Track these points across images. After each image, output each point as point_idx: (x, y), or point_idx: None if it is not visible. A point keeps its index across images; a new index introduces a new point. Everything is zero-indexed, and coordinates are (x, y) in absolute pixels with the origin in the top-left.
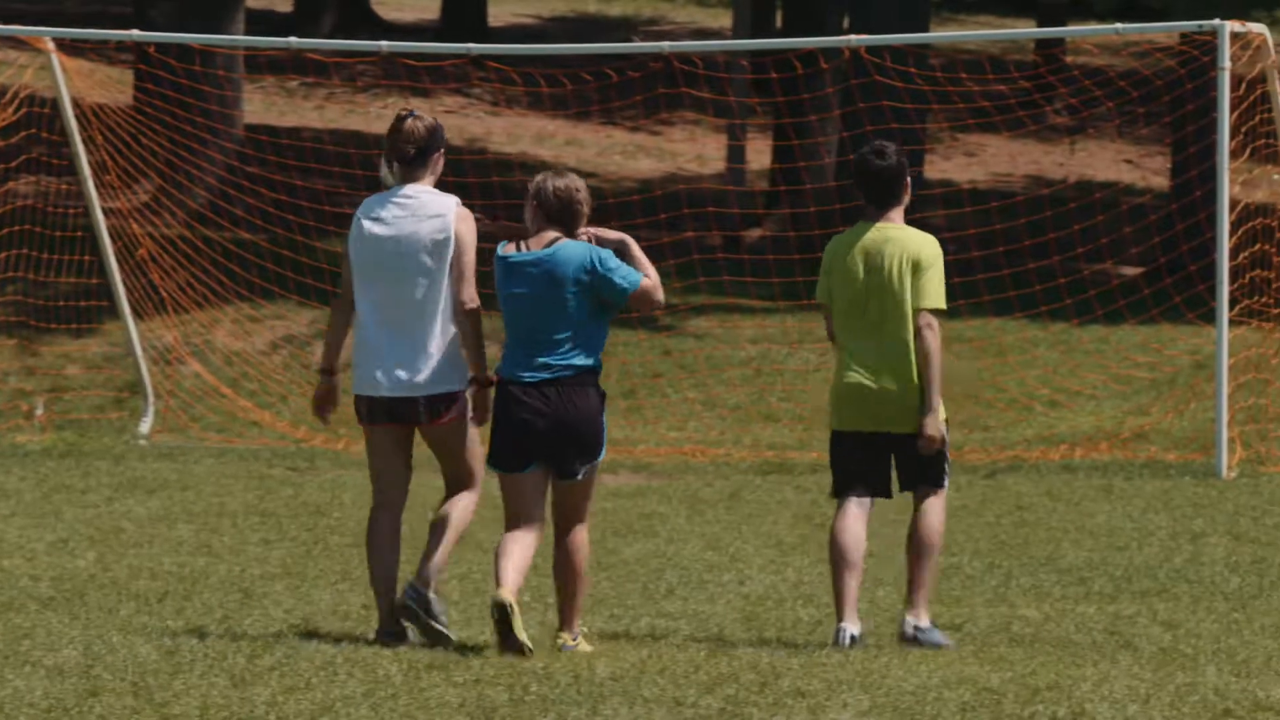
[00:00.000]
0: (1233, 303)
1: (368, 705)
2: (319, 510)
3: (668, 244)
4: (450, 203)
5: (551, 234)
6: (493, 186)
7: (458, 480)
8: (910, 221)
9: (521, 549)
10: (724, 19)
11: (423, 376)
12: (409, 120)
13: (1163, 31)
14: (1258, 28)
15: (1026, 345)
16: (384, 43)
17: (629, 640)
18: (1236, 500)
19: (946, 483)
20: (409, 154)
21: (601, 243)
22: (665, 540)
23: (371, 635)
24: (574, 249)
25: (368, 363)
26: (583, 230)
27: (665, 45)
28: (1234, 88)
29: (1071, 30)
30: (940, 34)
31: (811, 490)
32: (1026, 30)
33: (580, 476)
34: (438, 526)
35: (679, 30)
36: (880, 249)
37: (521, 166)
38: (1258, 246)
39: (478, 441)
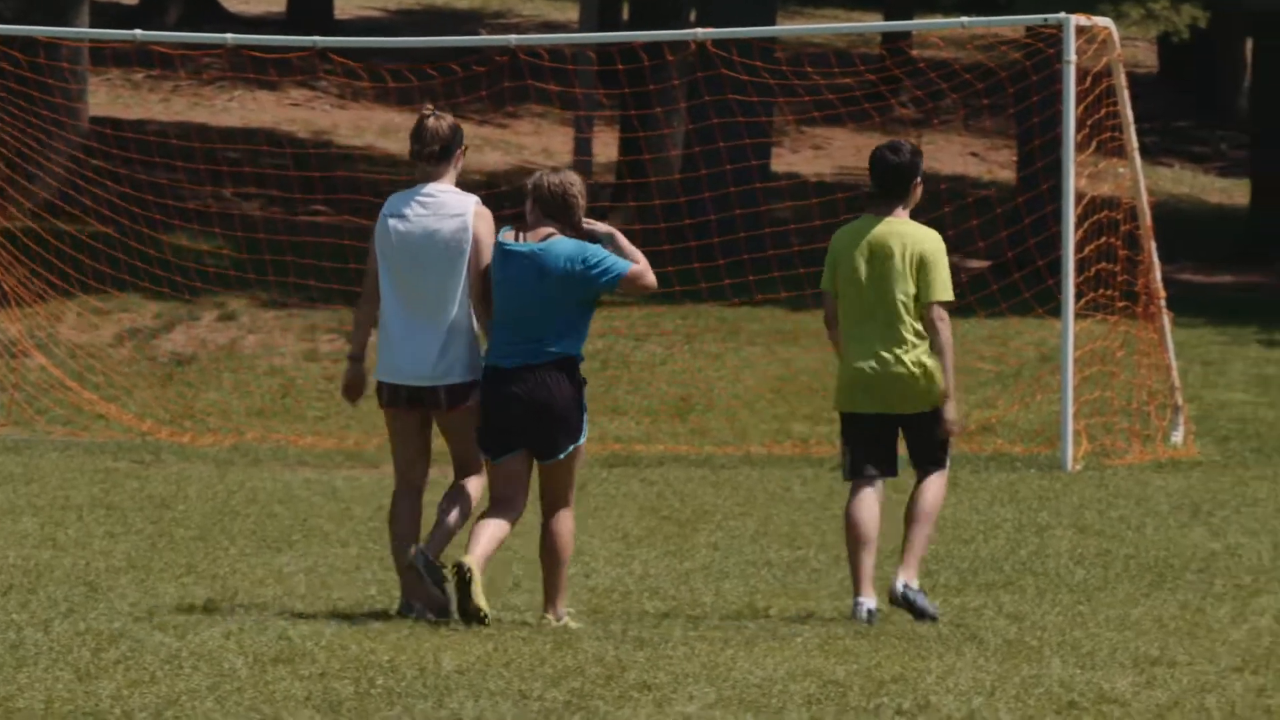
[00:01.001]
0: (1078, 296)
1: (213, 699)
2: (164, 503)
3: None
4: (470, 202)
5: (547, 229)
6: (337, 180)
7: (465, 465)
8: (753, 214)
9: (496, 526)
10: (571, 12)
11: (444, 366)
12: (431, 119)
13: (1008, 25)
14: (1103, 21)
15: None
16: (229, 35)
17: (475, 634)
18: (1082, 493)
19: (949, 463)
20: (434, 152)
21: (591, 235)
22: (511, 534)
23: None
24: (564, 245)
25: (392, 352)
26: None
27: (512, 38)
28: (1079, 81)
29: (917, 24)
30: (786, 27)
31: (658, 483)
32: (872, 24)
33: (561, 457)
34: (447, 505)
35: (526, 23)
36: (886, 242)
37: (367, 160)
38: (1103, 240)
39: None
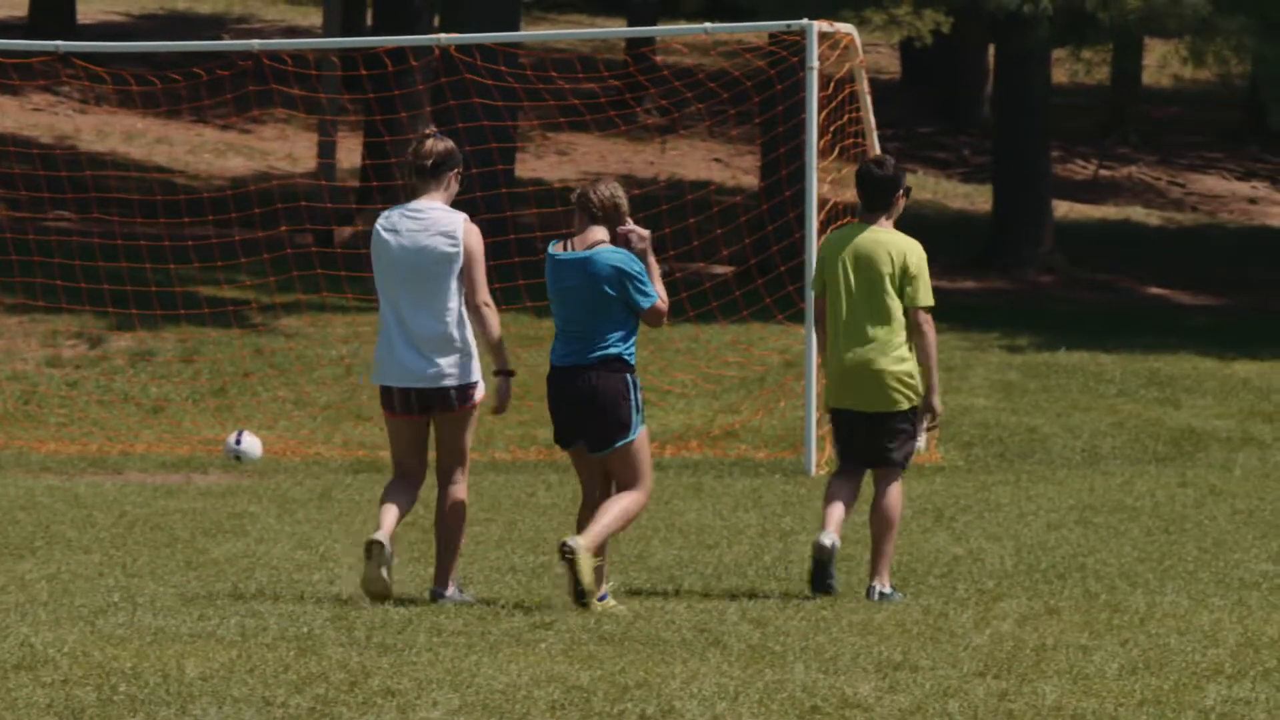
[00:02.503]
0: None
1: None
2: None
3: (261, 240)
4: (459, 219)
5: (595, 236)
6: (85, 181)
7: (450, 466)
8: (499, 220)
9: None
10: (315, 17)
11: (446, 369)
12: (431, 139)
13: (752, 31)
14: (845, 28)
15: None
16: None
17: (218, 641)
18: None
19: (908, 465)
20: (424, 166)
21: (628, 241)
22: (255, 540)
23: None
24: (611, 254)
25: (391, 358)
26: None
27: (255, 43)
28: (822, 87)
29: (661, 30)
30: (531, 33)
31: None
32: (617, 30)
33: (609, 452)
34: (445, 535)
35: (270, 28)
36: (872, 250)
37: (112, 163)
38: None
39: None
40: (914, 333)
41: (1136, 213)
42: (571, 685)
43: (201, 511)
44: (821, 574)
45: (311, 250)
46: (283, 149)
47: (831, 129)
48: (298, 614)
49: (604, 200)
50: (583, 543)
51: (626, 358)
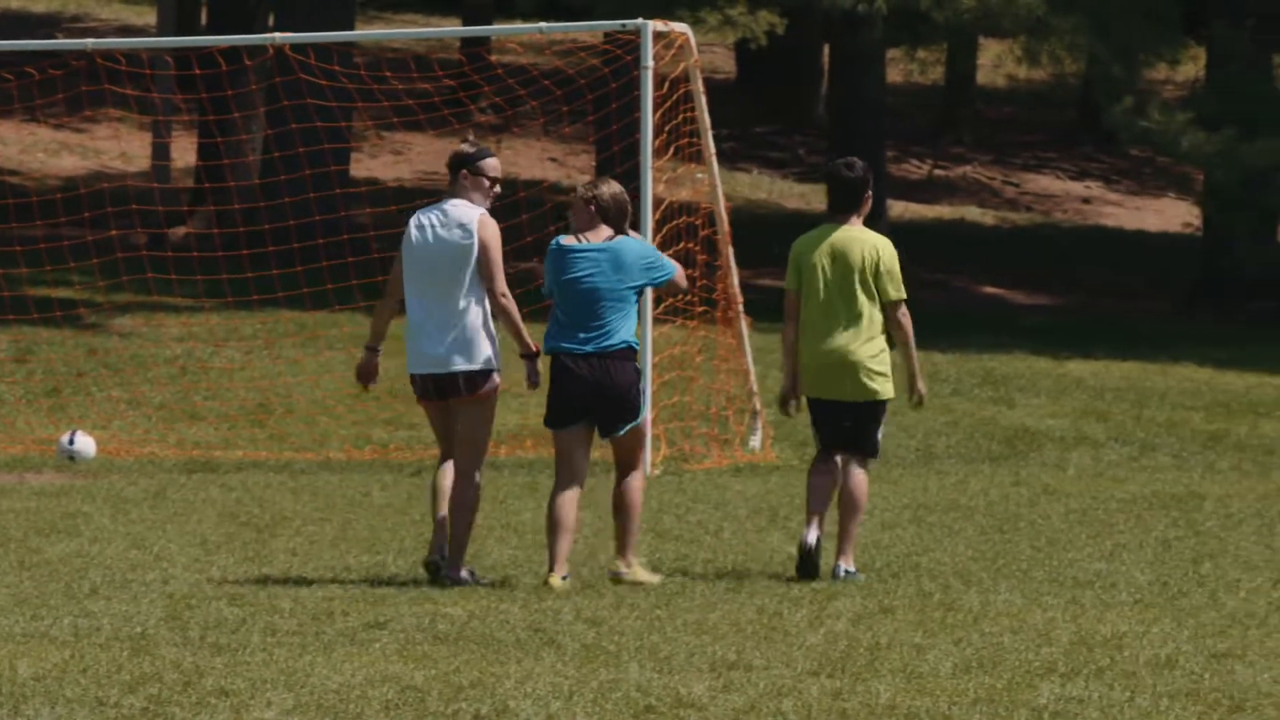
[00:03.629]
0: (657, 301)
1: None
2: None
3: (92, 242)
4: (475, 214)
5: (607, 230)
6: None
7: (466, 452)
8: (333, 220)
9: (570, 505)
10: (149, 16)
11: (460, 356)
12: (464, 144)
13: (587, 30)
14: (680, 27)
15: None
16: None
17: (51, 641)
18: (660, 497)
19: (873, 462)
20: (450, 166)
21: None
22: (89, 539)
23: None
24: (633, 243)
25: (416, 345)
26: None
27: (89, 42)
28: (657, 86)
29: (496, 29)
30: (365, 32)
31: (236, 489)
32: (451, 29)
33: (622, 433)
34: (457, 513)
35: (104, 27)
36: (846, 248)
37: None
38: (682, 245)
39: (492, 424)
40: (892, 325)
41: (971, 212)
42: (406, 685)
43: (35, 511)
44: (806, 566)
45: (143, 251)
46: (116, 148)
47: (666, 128)
48: (131, 614)
49: (615, 198)
50: (623, 567)
51: (634, 345)
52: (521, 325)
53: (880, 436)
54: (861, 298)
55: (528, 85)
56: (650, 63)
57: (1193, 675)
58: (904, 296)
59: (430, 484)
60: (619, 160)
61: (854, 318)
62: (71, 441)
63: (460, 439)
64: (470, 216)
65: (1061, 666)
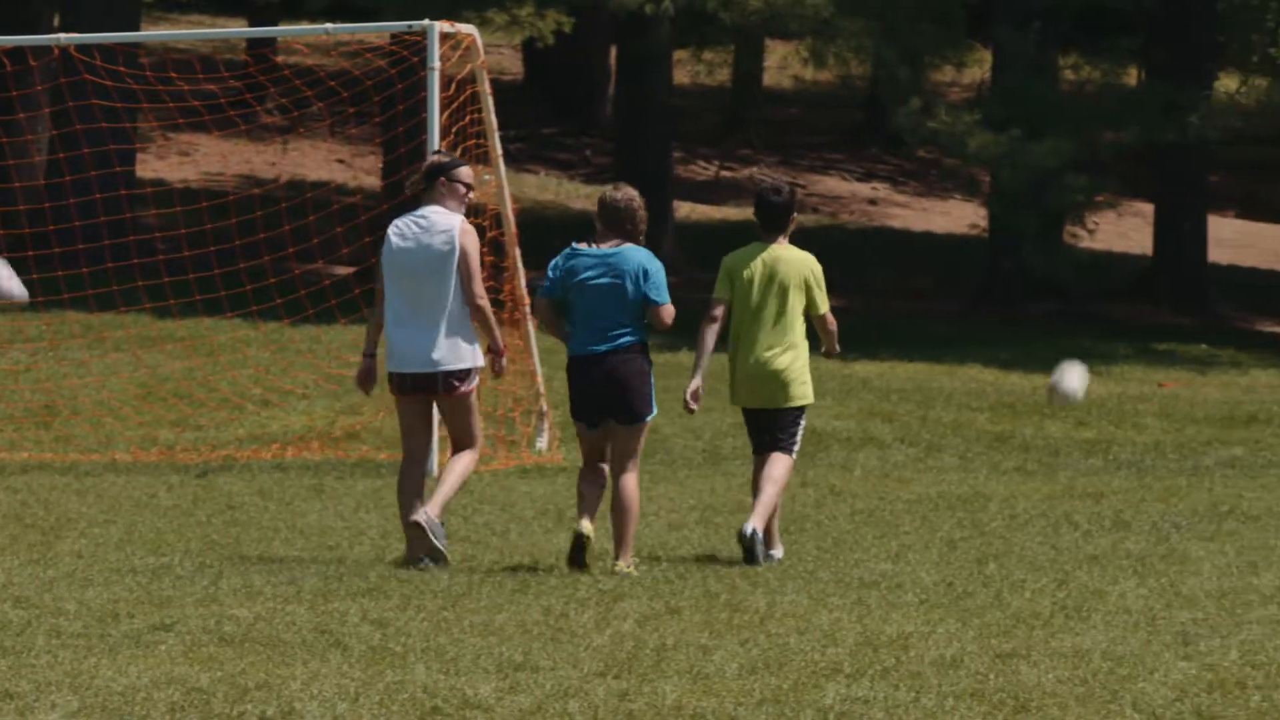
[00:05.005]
0: None
1: None
2: None
3: None
4: (455, 221)
5: (616, 238)
6: None
7: (460, 442)
8: (119, 221)
9: (595, 492)
10: None
11: (440, 356)
12: (434, 155)
13: (373, 31)
14: (467, 28)
15: (238, 344)
16: None
17: None
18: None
19: (795, 450)
20: (423, 176)
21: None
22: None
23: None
24: (635, 252)
25: (396, 346)
26: None
27: None
28: (444, 88)
29: (282, 30)
30: (151, 33)
31: (21, 491)
32: (238, 30)
33: (638, 424)
34: (446, 473)
35: None
36: (775, 265)
37: None
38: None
39: (479, 412)
40: (823, 332)
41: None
42: (192, 687)
43: None
44: (750, 556)
45: None
46: None
47: (453, 130)
48: None
49: (617, 204)
50: (623, 564)
51: (643, 341)
52: (495, 326)
53: (800, 436)
54: (789, 312)
55: (314, 86)
56: (437, 64)
57: (978, 675)
58: (828, 307)
59: (397, 486)
60: (406, 161)
61: (783, 332)
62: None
63: (453, 428)
64: (451, 224)
65: (847, 667)
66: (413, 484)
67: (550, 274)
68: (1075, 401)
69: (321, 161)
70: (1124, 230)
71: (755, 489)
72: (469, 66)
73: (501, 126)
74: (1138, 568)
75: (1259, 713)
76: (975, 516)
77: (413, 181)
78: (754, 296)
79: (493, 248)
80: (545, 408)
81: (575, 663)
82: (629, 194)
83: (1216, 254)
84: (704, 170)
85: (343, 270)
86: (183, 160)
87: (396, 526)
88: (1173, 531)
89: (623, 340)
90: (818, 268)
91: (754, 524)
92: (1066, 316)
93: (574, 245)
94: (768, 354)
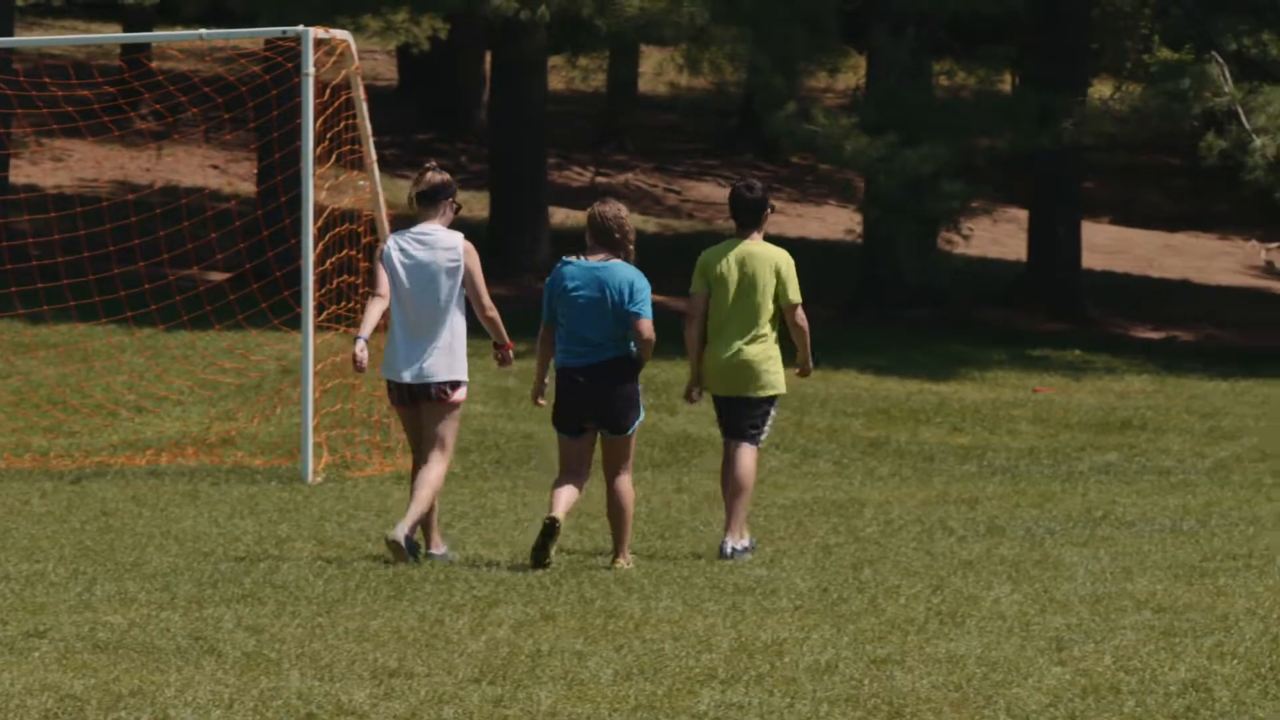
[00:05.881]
0: (319, 309)
1: None
2: None
3: None
4: (458, 239)
5: (603, 252)
6: None
7: (435, 445)
8: (15, 228)
9: (570, 489)
10: None
11: (437, 367)
12: (430, 173)
13: (248, 37)
14: (341, 34)
15: (113, 351)
16: None
17: None
18: (322, 505)
19: (761, 441)
20: (425, 194)
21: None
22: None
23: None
24: (623, 268)
25: (396, 358)
26: None
27: None
28: (319, 93)
29: (157, 35)
30: (24, 38)
31: None
32: (112, 35)
33: (628, 432)
34: (422, 491)
35: None
36: (747, 259)
37: None
38: (344, 252)
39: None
40: (791, 323)
41: (633, 220)
42: (65, 694)
43: None
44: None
45: None
46: None
47: (328, 135)
48: None
49: (604, 219)
50: (622, 562)
51: (630, 355)
52: (502, 327)
53: (768, 427)
54: (762, 305)
55: (189, 92)
56: (311, 69)
57: (852, 681)
58: (800, 300)
59: (412, 478)
60: (280, 168)
61: (754, 323)
62: None
63: (433, 435)
64: (454, 242)
65: (722, 673)
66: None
67: (545, 296)
68: None
69: (196, 167)
70: (999, 236)
71: (724, 480)
72: (343, 72)
73: (376, 132)
74: (1012, 573)
75: (1132, 718)
76: (850, 522)
77: (419, 196)
78: (727, 289)
79: (368, 253)
80: None
81: (450, 669)
82: (616, 209)
83: (1091, 260)
84: (579, 176)
85: (217, 276)
86: (56, 166)
87: (271, 532)
88: (1047, 537)
89: (608, 352)
90: (788, 260)
91: (732, 543)
92: (941, 322)
93: (564, 258)
94: (738, 344)
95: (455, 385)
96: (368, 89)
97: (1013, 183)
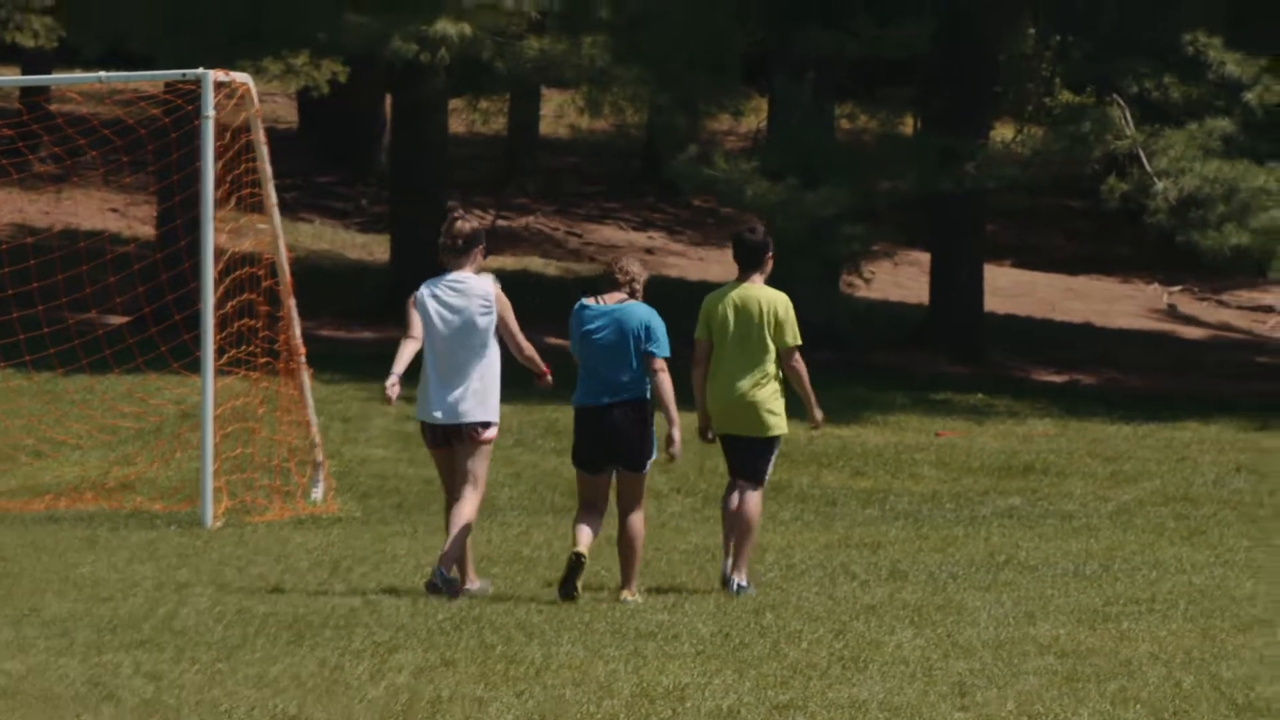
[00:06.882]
0: (220, 352)
1: None
2: None
3: None
4: (489, 285)
5: (620, 295)
6: None
7: (469, 481)
8: None
9: (591, 525)
10: None
11: (468, 409)
12: (459, 222)
13: (148, 80)
14: (241, 77)
15: (11, 395)
16: None
17: None
18: (222, 550)
19: (766, 481)
20: (457, 245)
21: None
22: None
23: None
24: (638, 309)
25: (430, 400)
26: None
27: None
28: (219, 136)
29: (56, 78)
30: None
31: None
32: (10, 78)
33: (643, 470)
34: (457, 528)
35: None
36: (747, 303)
37: None
38: (244, 296)
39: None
40: (787, 367)
41: (534, 263)
42: None
43: None
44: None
45: None
46: None
47: (228, 178)
48: None
49: (616, 267)
50: (629, 594)
51: (644, 397)
52: (538, 359)
53: (770, 467)
54: (761, 346)
55: (88, 135)
56: (211, 112)
57: None
58: (799, 343)
59: (446, 517)
60: (180, 211)
61: (754, 364)
62: None
63: (465, 471)
64: (486, 289)
65: (623, 718)
66: (457, 511)
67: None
68: None
69: (95, 210)
70: (900, 279)
71: (725, 518)
72: (244, 115)
73: (276, 175)
74: (914, 618)
75: None
76: (752, 567)
77: (451, 247)
78: (727, 331)
79: (268, 297)
80: (321, 458)
81: (349, 715)
82: (629, 260)
83: (993, 303)
84: (481, 219)
85: (116, 320)
86: None
87: (170, 578)
88: (949, 581)
89: (626, 393)
90: (786, 303)
91: (738, 579)
92: (843, 366)
93: (582, 301)
94: (739, 384)
95: (487, 425)
96: (268, 132)
97: (914, 225)
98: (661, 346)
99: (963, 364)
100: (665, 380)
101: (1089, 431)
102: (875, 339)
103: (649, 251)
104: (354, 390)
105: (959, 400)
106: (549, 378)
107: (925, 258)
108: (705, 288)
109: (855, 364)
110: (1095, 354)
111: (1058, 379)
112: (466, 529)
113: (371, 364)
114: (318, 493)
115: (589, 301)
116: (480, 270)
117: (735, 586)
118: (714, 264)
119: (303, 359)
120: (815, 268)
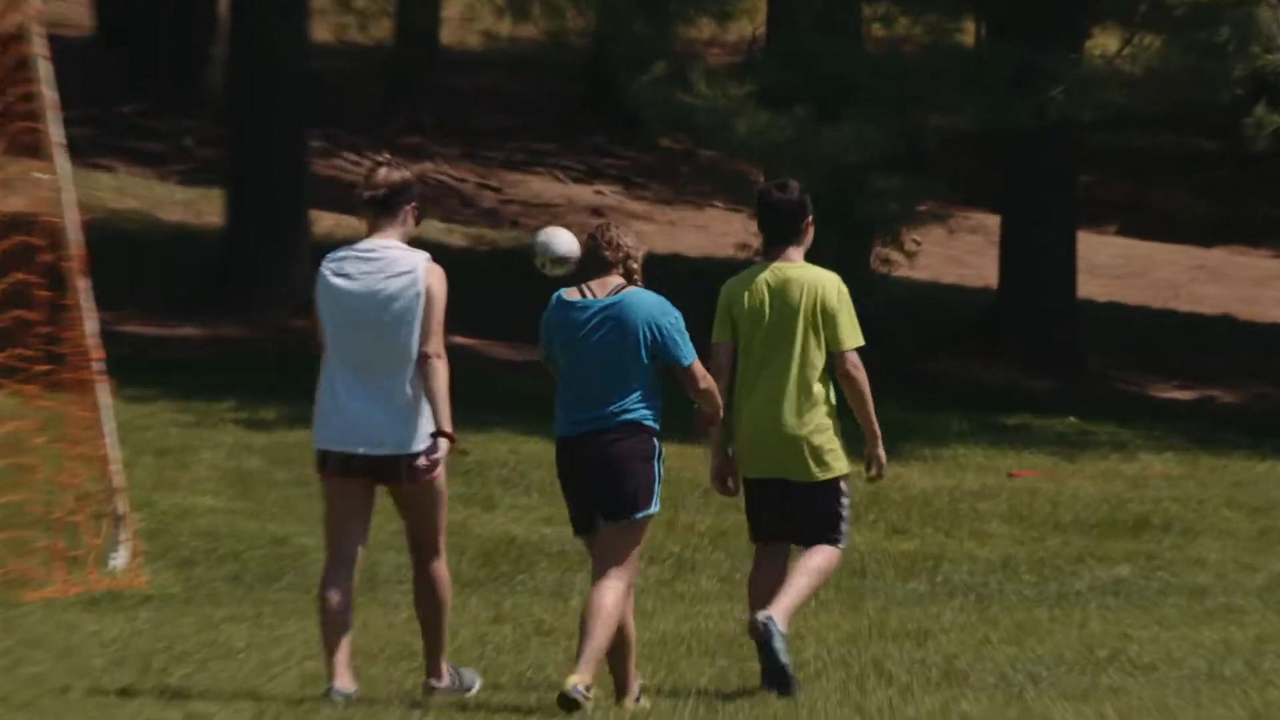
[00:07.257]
0: None
1: None
2: None
3: None
4: (419, 258)
5: (615, 280)
6: None
7: (424, 543)
8: None
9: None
10: None
11: (404, 435)
12: (383, 168)
13: None
14: None
15: None
16: None
17: None
18: None
19: (844, 542)
20: (377, 198)
21: None
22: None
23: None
24: (641, 298)
25: (338, 417)
26: None
27: None
28: None
29: None
30: None
31: None
32: None
33: (624, 522)
34: (429, 615)
35: None
36: (782, 290)
37: None
38: (14, 276)
39: (446, 505)
40: (841, 380)
41: (431, 228)
42: None
43: None
44: (769, 654)
45: None
46: None
47: None
48: None
49: (604, 238)
50: (629, 701)
51: (651, 423)
52: (445, 396)
53: (846, 519)
54: (804, 350)
55: None
56: None
57: None
58: (859, 343)
59: (319, 606)
60: None
61: (794, 377)
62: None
63: (417, 529)
64: (414, 262)
65: None
66: (341, 597)
67: (542, 339)
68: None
69: None
70: (958, 253)
71: (754, 595)
72: (17, 18)
73: (64, 104)
74: None
75: None
76: (745, 665)
77: (369, 201)
78: (757, 333)
79: (50, 277)
80: (123, 509)
81: None
82: (617, 229)
83: (1090, 287)
84: (355, 167)
85: None
86: None
87: None
88: (1028, 686)
89: (621, 416)
90: (837, 286)
91: (773, 613)
92: (876, 376)
93: (561, 295)
94: (777, 408)
95: (432, 451)
96: (54, 41)
97: (979, 178)
98: (685, 350)
99: (1047, 373)
100: (710, 386)
101: (1228, 472)
102: (922, 337)
103: (596, 212)
104: (172, 412)
105: (1041, 426)
106: (442, 453)
107: (993, 222)
108: (677, 264)
109: (894, 373)
110: (1237, 360)
111: (1183, 396)
112: (447, 608)
113: (197, 373)
114: (118, 558)
115: (572, 295)
116: (410, 238)
117: (763, 618)
118: (689, 230)
119: (99, 366)
120: (836, 236)
